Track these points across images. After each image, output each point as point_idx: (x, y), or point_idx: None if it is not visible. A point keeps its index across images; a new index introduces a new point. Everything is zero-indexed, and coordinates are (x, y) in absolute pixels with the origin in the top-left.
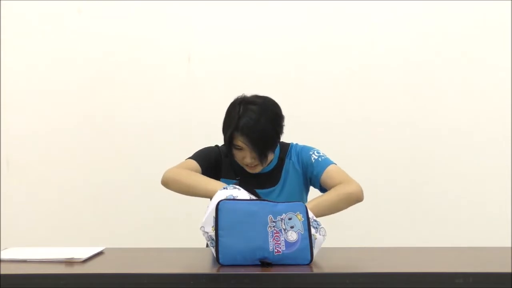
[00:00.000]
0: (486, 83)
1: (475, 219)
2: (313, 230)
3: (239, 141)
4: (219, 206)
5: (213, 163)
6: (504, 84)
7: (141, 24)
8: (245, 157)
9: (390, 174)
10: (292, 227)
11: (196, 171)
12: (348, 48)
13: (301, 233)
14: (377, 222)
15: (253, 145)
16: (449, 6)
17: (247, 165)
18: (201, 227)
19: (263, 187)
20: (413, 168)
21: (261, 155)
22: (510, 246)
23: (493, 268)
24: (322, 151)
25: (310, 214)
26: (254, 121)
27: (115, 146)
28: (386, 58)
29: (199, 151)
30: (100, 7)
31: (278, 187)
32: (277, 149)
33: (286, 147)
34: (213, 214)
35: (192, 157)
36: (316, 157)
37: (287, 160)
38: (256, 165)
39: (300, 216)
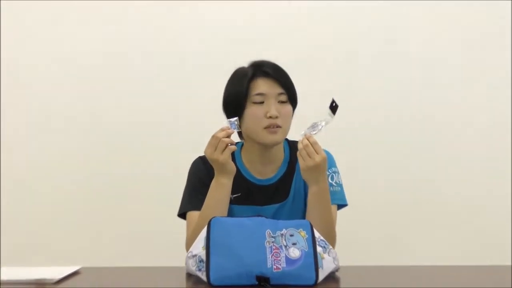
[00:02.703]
0: (486, 83)
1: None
2: (319, 249)
3: (261, 84)
4: (211, 223)
5: (208, 183)
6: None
7: (130, 21)
8: (270, 107)
9: (389, 175)
10: (294, 244)
11: None
12: (348, 43)
13: (305, 250)
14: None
15: (279, 74)
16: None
17: (269, 127)
18: (189, 252)
19: (270, 201)
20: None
21: (290, 89)
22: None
23: None
24: (339, 174)
25: (317, 234)
26: (273, 64)
27: (93, 148)
28: (386, 57)
29: (188, 186)
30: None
31: (288, 201)
32: (286, 150)
33: (296, 148)
34: (204, 234)
35: (189, 207)
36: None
37: (297, 168)
38: (278, 126)
39: (303, 233)
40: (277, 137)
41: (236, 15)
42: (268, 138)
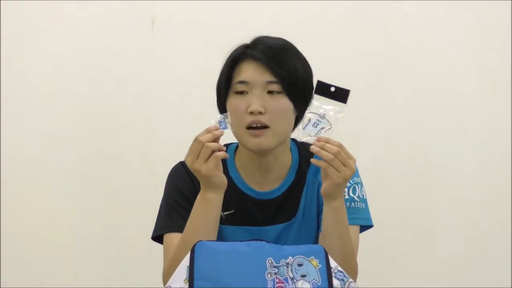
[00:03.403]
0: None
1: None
2: (336, 283)
3: (245, 68)
4: (196, 249)
5: (191, 198)
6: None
7: None
8: (251, 99)
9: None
10: (303, 276)
11: None
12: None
13: (318, 284)
14: None
15: (270, 56)
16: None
17: (250, 127)
18: (167, 286)
19: (272, 221)
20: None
21: (286, 77)
22: None
23: None
24: (362, 185)
25: (333, 263)
26: (274, 42)
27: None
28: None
29: (166, 200)
30: None
31: (296, 220)
32: (295, 155)
33: (308, 153)
34: (187, 263)
35: (167, 228)
36: (348, 198)
37: (310, 177)
38: (263, 126)
39: (315, 262)
40: (262, 141)
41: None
42: (250, 142)
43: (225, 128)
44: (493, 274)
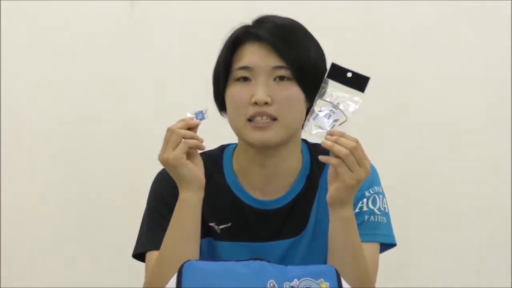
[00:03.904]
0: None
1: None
2: None
3: (248, 52)
4: (184, 270)
5: (174, 206)
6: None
7: None
8: (256, 87)
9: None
10: None
11: None
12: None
13: None
14: None
15: (278, 37)
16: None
17: (253, 119)
18: None
19: (277, 236)
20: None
21: (297, 61)
22: None
23: None
24: (384, 196)
25: (345, 284)
26: (281, 21)
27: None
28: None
29: (148, 213)
30: None
31: (306, 235)
32: (306, 157)
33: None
34: (173, 286)
35: (149, 245)
36: (367, 211)
37: (323, 184)
38: (270, 118)
39: (325, 286)
40: (268, 134)
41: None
42: (252, 135)
43: (203, 119)
44: (493, 274)
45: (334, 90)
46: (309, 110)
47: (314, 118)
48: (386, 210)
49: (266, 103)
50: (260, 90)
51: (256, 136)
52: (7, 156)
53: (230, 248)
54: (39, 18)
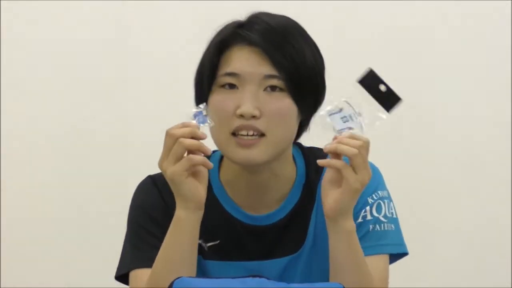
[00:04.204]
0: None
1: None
2: None
3: (236, 56)
4: (174, 286)
5: (164, 221)
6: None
7: None
8: (243, 97)
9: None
10: None
11: None
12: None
13: None
14: None
15: (270, 40)
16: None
17: (237, 134)
18: None
19: (272, 254)
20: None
21: (292, 69)
22: None
23: None
24: (391, 200)
25: None
26: (276, 21)
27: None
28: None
29: (130, 228)
30: None
31: (304, 250)
32: (300, 164)
33: (316, 165)
34: None
35: (134, 263)
36: (371, 220)
37: (320, 193)
38: (257, 134)
39: None
40: (253, 153)
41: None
42: (236, 153)
43: (205, 121)
44: (493, 274)
45: (358, 96)
46: (301, 124)
47: (330, 114)
48: (394, 216)
49: (253, 117)
50: (247, 101)
51: (240, 154)
52: (7, 156)
53: (220, 268)
54: (38, 18)
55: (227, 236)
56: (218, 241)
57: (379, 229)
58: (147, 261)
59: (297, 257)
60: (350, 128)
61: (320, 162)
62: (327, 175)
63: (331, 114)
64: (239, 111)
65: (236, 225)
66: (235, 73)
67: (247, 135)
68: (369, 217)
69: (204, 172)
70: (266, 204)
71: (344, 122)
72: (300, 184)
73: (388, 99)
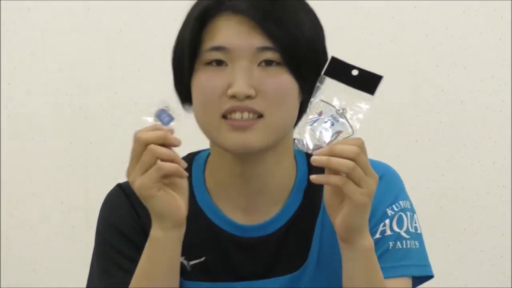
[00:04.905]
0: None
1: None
2: None
3: (222, 27)
4: None
5: (137, 238)
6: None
7: None
8: (234, 74)
9: None
10: None
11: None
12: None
13: None
14: None
15: (263, 8)
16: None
17: (229, 116)
18: None
19: (269, 272)
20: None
21: (291, 39)
22: None
23: None
24: (414, 212)
25: None
26: None
27: None
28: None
29: (98, 246)
30: None
31: (308, 267)
32: (302, 166)
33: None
34: None
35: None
36: (391, 236)
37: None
38: (253, 114)
39: None
40: (250, 137)
41: None
42: (228, 139)
43: (170, 121)
44: (493, 274)
45: (333, 89)
46: (302, 105)
47: (311, 124)
48: (418, 231)
49: (248, 97)
50: (239, 78)
51: (234, 138)
52: (7, 156)
53: None
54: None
55: (214, 252)
56: (203, 258)
57: (400, 246)
58: (115, 285)
59: (298, 277)
60: (338, 132)
61: (313, 178)
62: (327, 191)
63: (312, 123)
64: (230, 91)
65: (224, 238)
66: (222, 46)
67: (242, 118)
68: (388, 233)
69: (182, 182)
70: (260, 209)
71: (330, 127)
72: (301, 188)
73: (367, 81)
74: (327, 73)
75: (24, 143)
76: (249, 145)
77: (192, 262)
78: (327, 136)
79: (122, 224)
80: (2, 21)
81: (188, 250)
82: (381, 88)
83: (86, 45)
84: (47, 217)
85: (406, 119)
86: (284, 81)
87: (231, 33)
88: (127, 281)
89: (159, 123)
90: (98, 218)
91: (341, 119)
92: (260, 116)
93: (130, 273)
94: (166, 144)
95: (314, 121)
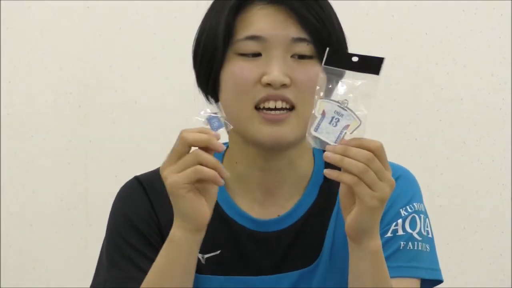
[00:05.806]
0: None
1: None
2: None
3: (257, 17)
4: None
5: (151, 233)
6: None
7: None
8: (270, 63)
9: None
10: None
11: None
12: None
13: None
14: None
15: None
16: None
17: (263, 107)
18: None
19: (282, 267)
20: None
21: (324, 33)
22: None
23: None
24: (427, 215)
25: None
26: None
27: None
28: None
29: (109, 241)
30: None
31: (321, 262)
32: (318, 161)
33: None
34: None
35: (111, 283)
36: (403, 236)
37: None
38: (286, 107)
39: None
40: (284, 131)
41: None
42: (262, 132)
43: (219, 127)
44: (493, 274)
45: (336, 81)
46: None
47: (315, 129)
48: (430, 235)
49: (283, 85)
50: (275, 67)
51: (267, 132)
52: (6, 155)
53: (220, 284)
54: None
55: (229, 245)
56: (218, 252)
57: (411, 247)
58: (127, 281)
59: (311, 271)
60: (346, 127)
61: (326, 172)
62: (342, 189)
63: (316, 128)
64: (266, 79)
65: (239, 232)
66: (258, 36)
67: (275, 108)
68: (400, 232)
69: (213, 190)
70: (277, 202)
71: (335, 125)
72: (317, 184)
73: (369, 65)
74: (328, 63)
75: (24, 141)
76: (283, 139)
77: (206, 256)
78: (333, 135)
79: (137, 217)
80: (2, 19)
81: (203, 243)
82: (380, 87)
83: (86, 43)
84: (47, 215)
85: (406, 118)
86: (316, 73)
87: (267, 22)
88: (135, 275)
89: (208, 127)
90: (112, 209)
91: (345, 112)
92: (291, 108)
93: (139, 268)
94: (210, 148)
95: (319, 124)
